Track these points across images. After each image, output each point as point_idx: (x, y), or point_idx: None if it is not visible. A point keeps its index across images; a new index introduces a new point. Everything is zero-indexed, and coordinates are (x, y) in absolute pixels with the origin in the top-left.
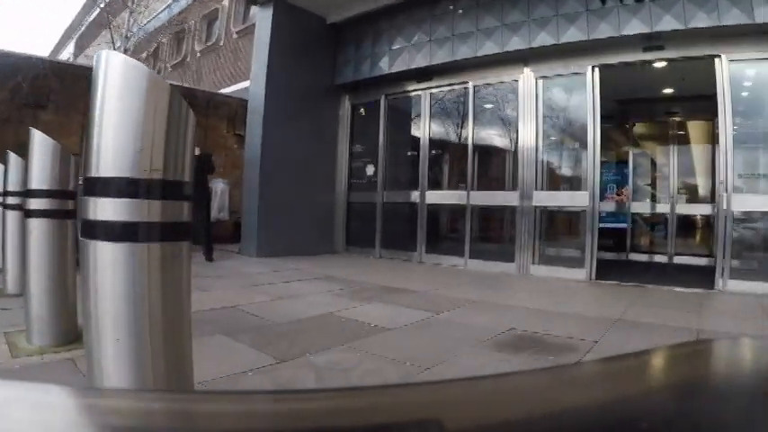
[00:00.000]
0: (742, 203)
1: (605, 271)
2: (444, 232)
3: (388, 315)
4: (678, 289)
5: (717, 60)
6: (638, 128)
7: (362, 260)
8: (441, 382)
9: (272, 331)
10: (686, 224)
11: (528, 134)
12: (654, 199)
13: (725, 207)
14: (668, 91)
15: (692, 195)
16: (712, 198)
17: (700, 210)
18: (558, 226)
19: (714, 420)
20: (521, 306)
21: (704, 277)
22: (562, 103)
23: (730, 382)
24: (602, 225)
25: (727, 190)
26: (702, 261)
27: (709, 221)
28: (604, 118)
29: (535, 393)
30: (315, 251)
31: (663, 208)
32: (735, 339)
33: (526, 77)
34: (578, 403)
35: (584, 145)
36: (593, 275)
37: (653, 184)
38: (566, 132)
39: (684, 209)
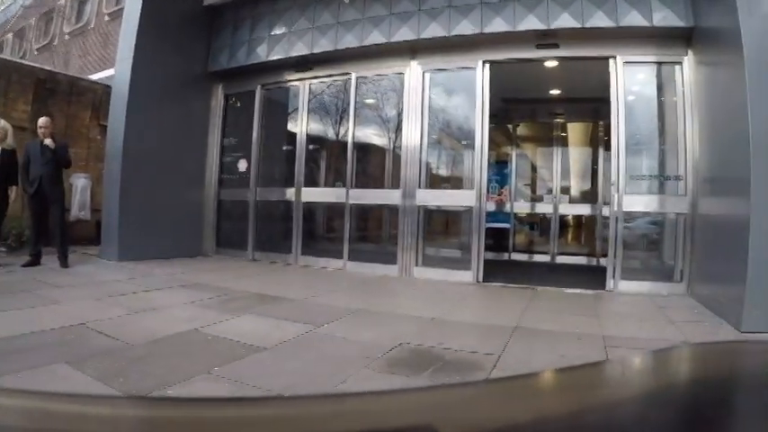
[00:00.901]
0: (632, 204)
1: (491, 272)
2: (322, 232)
3: (262, 330)
4: (569, 290)
5: (611, 61)
6: (523, 128)
7: (234, 263)
8: (434, 387)
9: (125, 356)
10: (568, 224)
11: (412, 130)
12: (536, 199)
13: (616, 208)
14: (555, 92)
15: (574, 196)
16: (594, 199)
17: (582, 210)
18: (442, 226)
19: (706, 420)
20: (409, 315)
21: (590, 277)
22: (449, 98)
23: (723, 383)
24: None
25: (618, 190)
26: (585, 261)
27: (590, 222)
28: (489, 116)
29: (526, 398)
30: (182, 253)
31: (545, 208)
32: (724, 343)
33: (413, 70)
34: (569, 407)
35: (471, 143)
36: (480, 277)
37: (533, 184)
38: (452, 129)
39: (567, 209)
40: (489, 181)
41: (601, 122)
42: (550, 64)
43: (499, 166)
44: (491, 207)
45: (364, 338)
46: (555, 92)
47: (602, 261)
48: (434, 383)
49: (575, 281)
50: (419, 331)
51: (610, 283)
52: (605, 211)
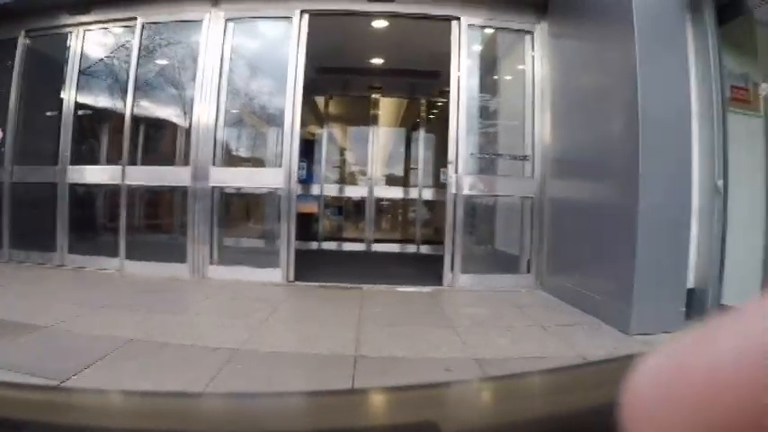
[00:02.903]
0: (473, 186)
1: (302, 266)
2: (96, 224)
3: None
4: (402, 289)
5: (454, 24)
6: (337, 102)
7: None
8: (436, 385)
9: None
10: (386, 209)
11: (208, 94)
12: (349, 182)
13: (454, 191)
14: (378, 61)
15: (393, 178)
16: (406, 182)
17: (401, 194)
18: (243, 213)
19: None
20: (200, 345)
21: (418, 269)
22: (258, 57)
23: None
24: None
25: (457, 170)
26: (406, 248)
27: (409, 206)
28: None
29: (529, 396)
30: None
31: (359, 191)
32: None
33: (214, 18)
34: (573, 405)
35: (280, 112)
36: (292, 275)
37: (346, 166)
38: (258, 95)
39: (384, 192)
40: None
41: (424, 100)
42: (380, 24)
43: (309, 145)
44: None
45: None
46: (377, 60)
47: (423, 249)
48: (436, 381)
49: (403, 274)
50: (218, 377)
51: (448, 278)
52: (426, 195)
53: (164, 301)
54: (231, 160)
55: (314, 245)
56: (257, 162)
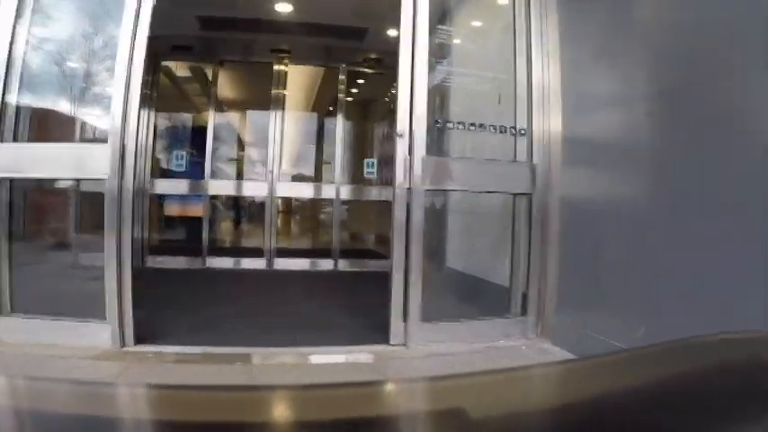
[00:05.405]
0: (438, 174)
1: (158, 307)
2: None
3: None
4: (320, 359)
5: None
6: (229, 71)
7: None
8: (464, 375)
9: None
10: (293, 212)
11: None
12: (244, 177)
13: (406, 183)
14: (284, 9)
15: (301, 172)
16: (318, 177)
17: (313, 191)
18: (40, 223)
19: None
20: None
21: (338, 301)
22: None
23: (728, 377)
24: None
25: (412, 150)
26: (319, 264)
27: (322, 207)
28: (179, 49)
29: (552, 385)
30: None
31: (257, 189)
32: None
33: None
34: (597, 394)
35: (107, 51)
36: (131, 333)
37: (237, 155)
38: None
39: (289, 190)
40: (172, 148)
41: (344, 68)
42: None
43: (193, 130)
44: (179, 187)
45: None
46: (284, 9)
47: (342, 264)
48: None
49: (319, 315)
50: None
51: (398, 330)
52: (345, 193)
53: None
54: (29, 129)
55: (196, 262)
56: (65, 131)
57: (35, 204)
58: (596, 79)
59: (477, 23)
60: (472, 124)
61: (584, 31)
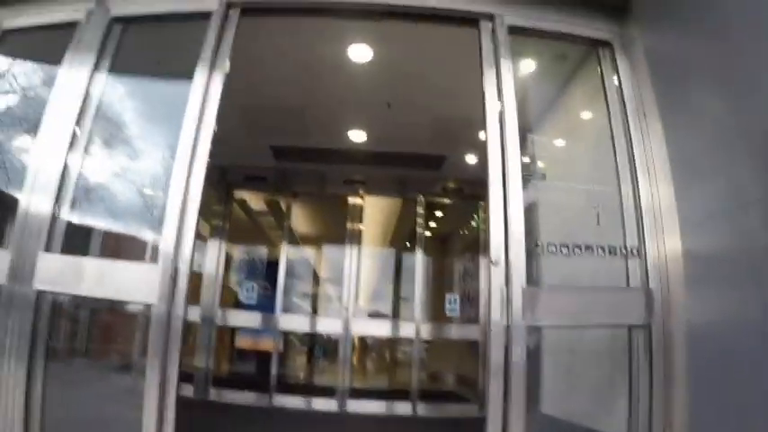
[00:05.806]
0: (546, 309)
1: None
2: None
3: None
4: None
5: (484, 26)
6: (303, 201)
7: None
8: None
9: None
10: (369, 349)
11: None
12: (316, 312)
13: (504, 320)
14: (359, 138)
15: (379, 309)
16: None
17: (391, 330)
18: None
19: None
20: None
21: None
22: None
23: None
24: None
25: (509, 278)
26: (396, 407)
27: (400, 347)
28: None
29: None
30: None
31: (332, 325)
32: None
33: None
34: None
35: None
36: None
37: (311, 291)
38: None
39: (366, 327)
40: (243, 280)
41: (422, 197)
42: (361, 55)
43: (266, 264)
44: (251, 320)
45: None
46: (358, 138)
47: (421, 408)
48: None
49: None
50: None
51: None
52: (425, 331)
53: None
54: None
55: (263, 399)
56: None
57: (94, 323)
58: (712, 190)
59: (566, 141)
60: (577, 246)
61: (693, 145)
